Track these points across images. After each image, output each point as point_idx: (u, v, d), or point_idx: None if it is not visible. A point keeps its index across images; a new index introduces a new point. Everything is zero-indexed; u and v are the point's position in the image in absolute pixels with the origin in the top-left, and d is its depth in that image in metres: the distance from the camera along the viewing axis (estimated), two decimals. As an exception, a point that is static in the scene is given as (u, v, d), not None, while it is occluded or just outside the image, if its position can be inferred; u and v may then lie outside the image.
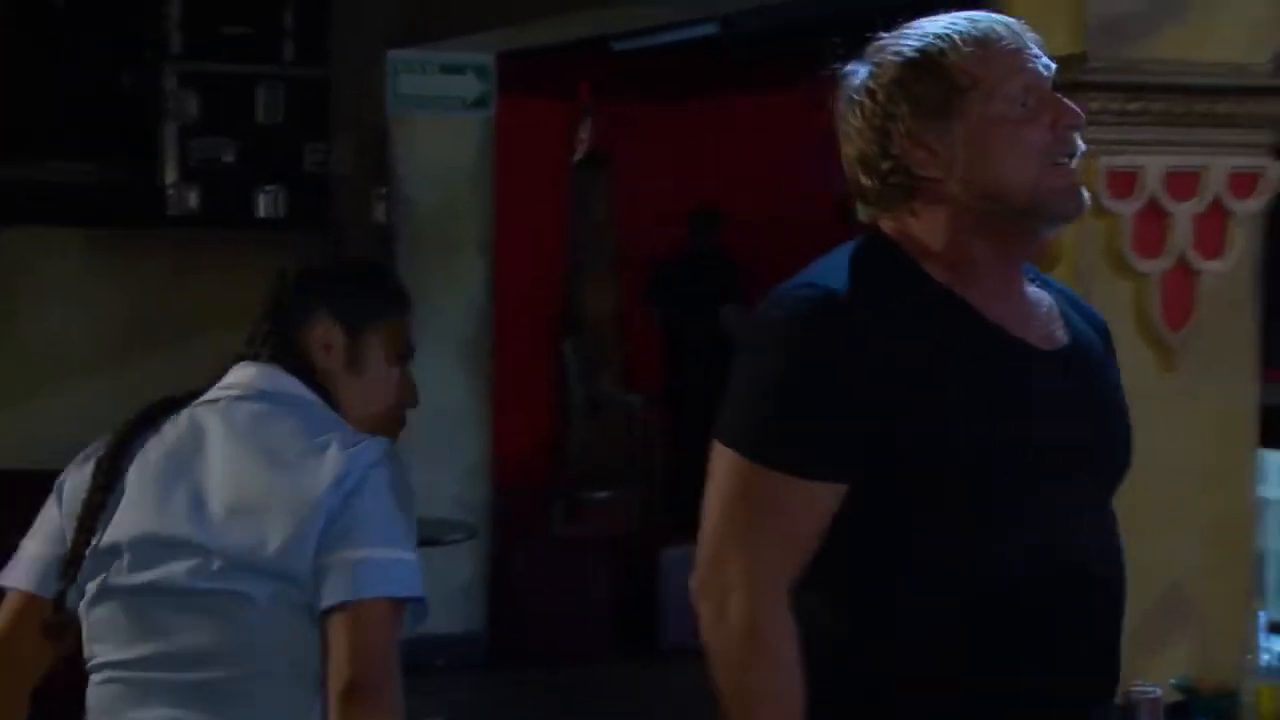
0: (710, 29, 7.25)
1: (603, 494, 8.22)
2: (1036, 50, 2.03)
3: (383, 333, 2.35)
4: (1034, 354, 1.97)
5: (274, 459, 2.17)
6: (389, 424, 2.36)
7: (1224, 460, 4.04)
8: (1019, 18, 4.31)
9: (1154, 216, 4.09)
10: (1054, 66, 2.02)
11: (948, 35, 1.97)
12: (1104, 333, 2.15)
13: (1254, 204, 4.10)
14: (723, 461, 1.93)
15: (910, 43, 1.99)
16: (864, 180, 2.01)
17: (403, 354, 2.38)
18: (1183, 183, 4.09)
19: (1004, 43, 1.99)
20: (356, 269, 2.46)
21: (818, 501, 1.90)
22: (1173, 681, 3.55)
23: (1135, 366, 4.08)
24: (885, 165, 1.98)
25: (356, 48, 7.45)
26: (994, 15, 2.01)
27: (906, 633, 1.92)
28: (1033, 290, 2.05)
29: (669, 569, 6.94)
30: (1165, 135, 4.05)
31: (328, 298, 2.34)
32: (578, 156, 8.69)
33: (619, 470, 8.64)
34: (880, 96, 1.98)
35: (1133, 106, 4.02)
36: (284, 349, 2.30)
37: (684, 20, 7.07)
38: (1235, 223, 4.10)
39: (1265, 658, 3.27)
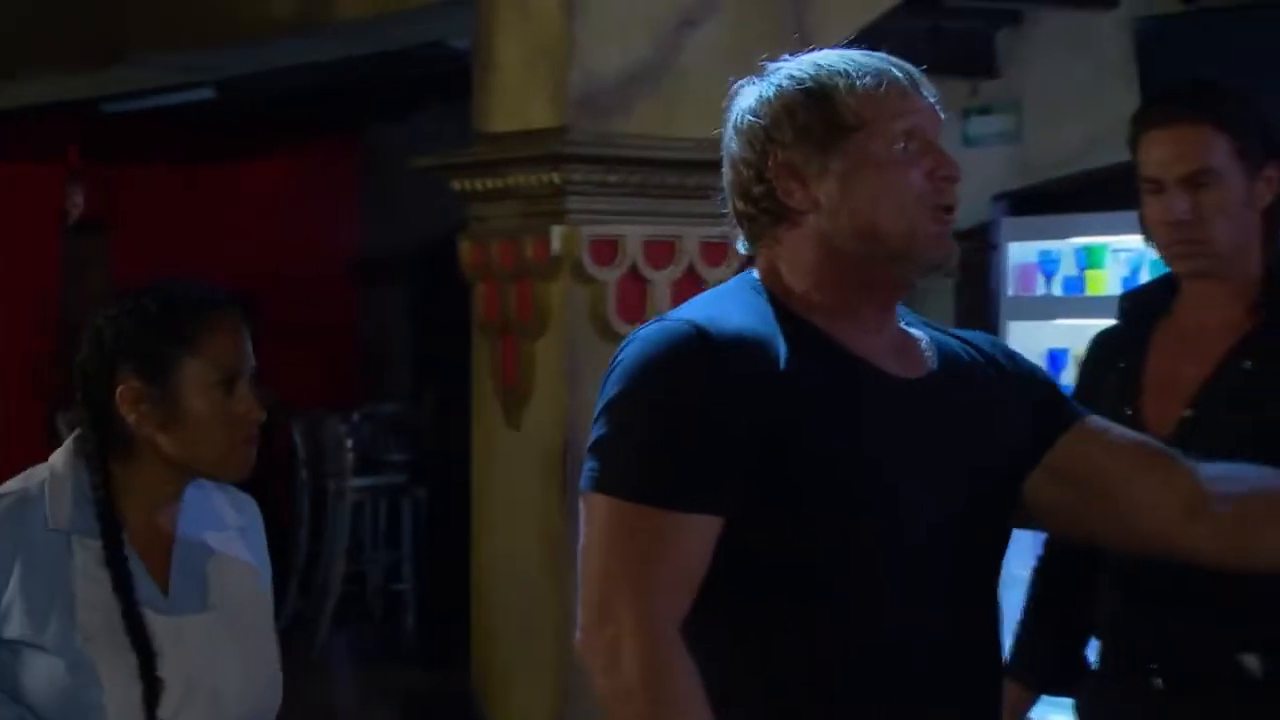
0: (206, 93, 7.13)
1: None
2: (930, 99, 1.97)
3: (192, 366, 2.19)
4: (893, 382, 1.95)
5: None
6: (234, 456, 2.22)
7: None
8: (499, 88, 4.43)
9: (635, 283, 4.27)
10: (941, 117, 1.98)
11: (844, 71, 1.93)
12: (984, 349, 2.09)
13: (724, 271, 4.34)
14: (600, 510, 1.87)
15: (806, 71, 1.95)
16: (737, 203, 1.98)
17: (223, 381, 2.20)
18: (660, 251, 4.30)
19: (896, 85, 1.94)
20: (143, 311, 2.21)
21: (694, 536, 1.85)
22: None
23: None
24: (757, 189, 1.95)
25: None
26: (890, 58, 1.97)
27: (779, 667, 1.89)
28: (899, 330, 2.03)
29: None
30: (642, 206, 4.25)
31: (126, 346, 2.18)
32: (70, 222, 8.36)
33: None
34: (765, 120, 1.95)
35: (612, 178, 4.21)
36: (94, 424, 2.20)
37: (179, 84, 6.93)
38: (707, 289, 4.31)
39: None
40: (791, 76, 1.96)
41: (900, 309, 2.06)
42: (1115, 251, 6.38)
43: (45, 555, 2.17)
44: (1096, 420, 2.09)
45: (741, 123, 1.98)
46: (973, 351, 2.07)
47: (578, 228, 4.19)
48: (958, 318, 7.19)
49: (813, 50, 1.99)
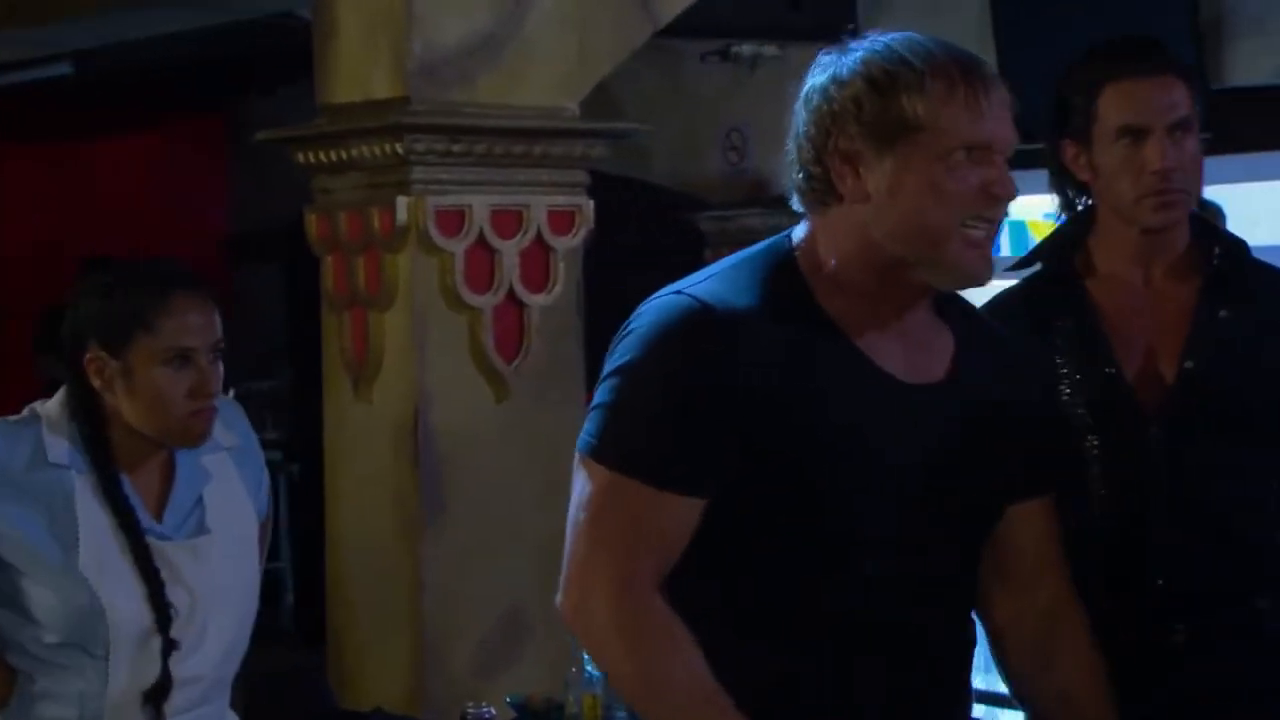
0: (63, 69, 7.01)
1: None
2: (1002, 111, 1.93)
3: (144, 342, 2.34)
4: (895, 386, 1.95)
5: None
6: (182, 430, 2.38)
7: (554, 483, 4.24)
8: (341, 59, 4.39)
9: (483, 253, 4.26)
10: (1013, 132, 1.94)
11: (920, 69, 1.90)
12: (1020, 364, 2.10)
13: (573, 240, 4.35)
14: (589, 474, 1.91)
15: (882, 60, 1.92)
16: (794, 173, 1.98)
17: (173, 360, 2.35)
18: (507, 221, 4.28)
19: (970, 93, 1.90)
20: (108, 286, 2.40)
21: (679, 514, 1.89)
22: (507, 699, 3.69)
23: (473, 398, 4.26)
24: (815, 169, 1.95)
25: None
26: (976, 60, 1.95)
27: (741, 654, 1.92)
28: (930, 323, 2.01)
29: None
30: (488, 175, 4.24)
31: (90, 319, 2.37)
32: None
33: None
34: (834, 104, 1.93)
35: (456, 148, 4.18)
36: (74, 386, 2.38)
37: (36, 59, 6.81)
38: (558, 258, 4.33)
39: (590, 669, 3.45)
40: (865, 64, 1.93)
41: (949, 298, 2.04)
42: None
43: (45, 486, 2.34)
44: (1046, 499, 2.11)
45: (810, 99, 1.97)
46: (1006, 367, 2.06)
47: (423, 198, 4.17)
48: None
49: (900, 32, 1.97)
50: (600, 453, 1.91)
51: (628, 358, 1.92)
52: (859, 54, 1.95)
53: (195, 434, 2.40)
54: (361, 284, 4.29)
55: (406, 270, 4.21)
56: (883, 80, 1.91)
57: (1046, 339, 2.42)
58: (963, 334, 2.05)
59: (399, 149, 4.13)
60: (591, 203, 4.37)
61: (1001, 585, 2.09)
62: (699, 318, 1.90)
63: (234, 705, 2.60)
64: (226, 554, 2.44)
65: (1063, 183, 2.48)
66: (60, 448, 2.37)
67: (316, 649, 4.84)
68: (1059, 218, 2.53)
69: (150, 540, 2.37)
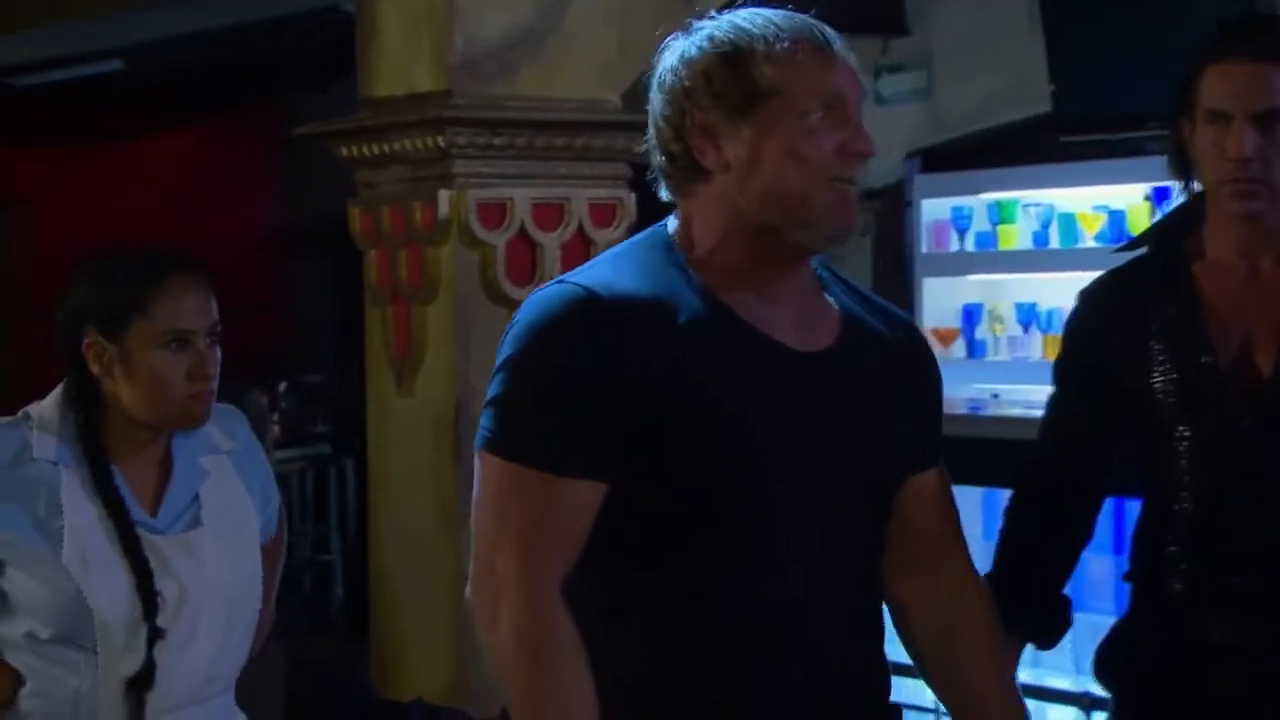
0: (114, 65, 7.07)
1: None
2: (848, 66, 1.95)
3: (141, 325, 2.36)
4: (787, 355, 1.96)
5: None
6: (180, 413, 2.39)
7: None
8: (384, 54, 4.40)
9: (524, 246, 4.27)
10: (862, 86, 1.97)
11: (762, 35, 1.93)
12: (906, 337, 2.11)
13: (614, 232, 4.34)
14: (486, 468, 1.92)
15: (725, 32, 1.95)
16: (658, 157, 2.00)
17: (171, 343, 2.37)
18: (548, 214, 4.29)
19: (815, 52, 1.93)
20: (104, 271, 2.41)
21: (579, 499, 1.89)
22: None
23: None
24: (675, 148, 1.97)
25: None
26: (814, 21, 1.96)
27: (642, 643, 1.93)
28: (814, 294, 2.04)
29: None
30: (529, 169, 4.25)
31: (88, 304, 2.39)
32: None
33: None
34: (685, 80, 1.95)
35: (497, 141, 4.19)
36: (72, 373, 2.40)
37: (85, 55, 6.87)
38: (599, 250, 4.32)
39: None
40: (711, 38, 1.95)
41: (834, 276, 2.07)
42: (1026, 206, 6.40)
43: (29, 482, 2.35)
44: (941, 474, 2.12)
45: (664, 80, 1.99)
46: (893, 338, 2.08)
47: (465, 191, 4.19)
48: (874, 275, 7.20)
49: (739, 7, 1.99)
50: (495, 445, 1.91)
51: (514, 349, 1.92)
52: (704, 31, 1.97)
53: (194, 415, 2.41)
54: (404, 277, 4.30)
55: (448, 263, 4.22)
56: (730, 51, 1.94)
57: (1145, 324, 2.36)
58: (847, 305, 2.06)
59: (440, 142, 4.14)
60: (633, 195, 4.37)
61: (904, 567, 2.09)
62: (582, 304, 1.89)
63: (261, 699, 2.61)
64: (220, 550, 2.44)
65: (1180, 163, 2.40)
66: (47, 444, 2.38)
67: (365, 641, 4.89)
68: (1165, 203, 2.45)
69: (141, 532, 2.38)
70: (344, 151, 4.35)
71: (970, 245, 6.60)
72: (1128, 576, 2.50)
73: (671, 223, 2.02)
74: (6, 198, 8.50)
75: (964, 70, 6.57)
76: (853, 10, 6.67)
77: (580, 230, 4.31)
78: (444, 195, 4.17)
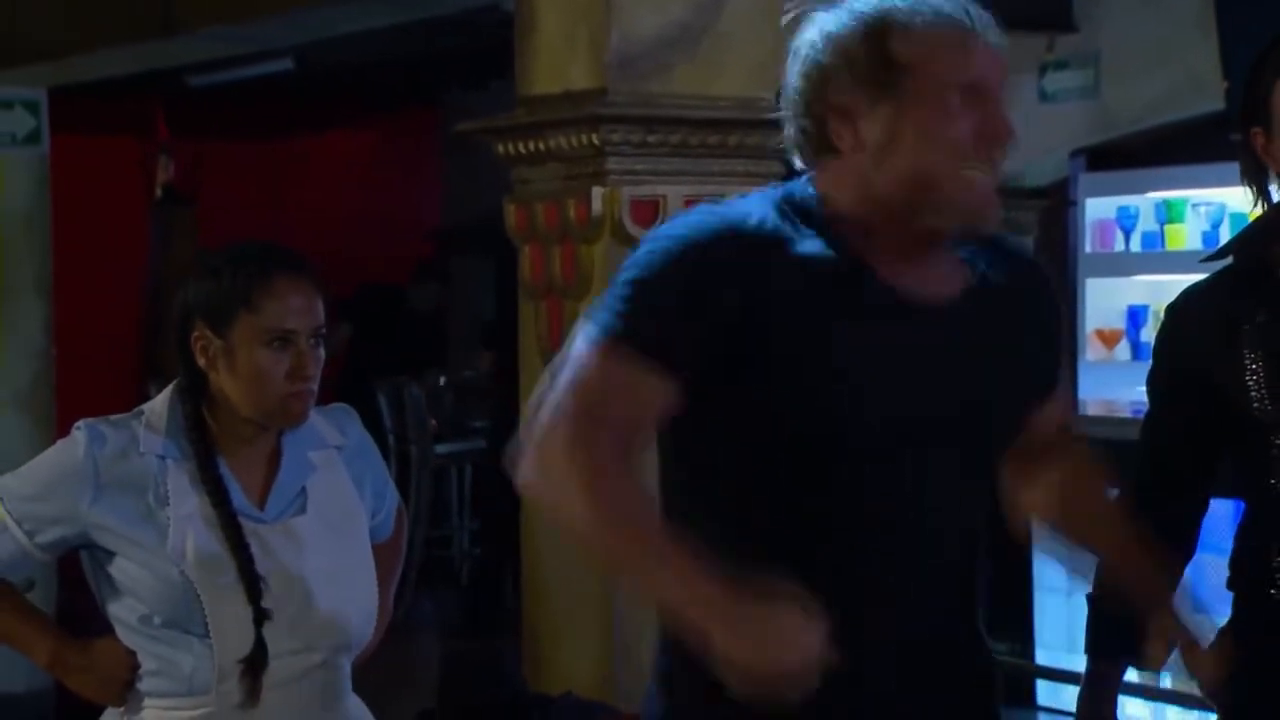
0: (285, 64, 7.22)
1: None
2: (995, 49, 1.92)
3: (247, 321, 2.41)
4: (919, 311, 1.95)
5: None
6: (279, 410, 2.45)
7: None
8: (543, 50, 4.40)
9: (677, 244, 4.26)
10: (1004, 71, 1.93)
11: (905, 13, 1.91)
12: (1029, 282, 2.09)
13: (767, 230, 4.32)
14: (580, 332, 1.93)
15: (867, 12, 1.92)
16: (791, 129, 1.99)
17: (273, 341, 2.42)
18: (701, 211, 4.28)
19: (959, 32, 1.90)
20: (212, 262, 2.47)
21: (649, 391, 1.87)
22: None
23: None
24: (808, 123, 1.96)
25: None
26: (965, 3, 1.93)
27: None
28: (949, 258, 2.01)
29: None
30: (683, 166, 4.24)
31: (198, 299, 2.44)
32: (158, 195, 8.50)
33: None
34: (823, 57, 1.93)
35: (651, 138, 4.20)
36: (183, 365, 2.46)
37: (258, 55, 7.02)
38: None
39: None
40: (854, 12, 1.93)
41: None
42: (1195, 206, 6.25)
43: (137, 475, 2.42)
44: (1061, 394, 2.13)
45: (800, 54, 1.97)
46: (1021, 282, 2.06)
47: (618, 189, 4.19)
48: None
49: None
50: (590, 313, 1.92)
51: (648, 248, 1.92)
52: (846, 8, 1.94)
53: (293, 414, 2.46)
54: (557, 273, 4.32)
55: (601, 260, 4.23)
56: (870, 25, 1.91)
57: (1235, 333, 2.33)
58: (972, 258, 2.03)
59: (595, 140, 4.15)
60: (786, 193, 4.34)
61: (1022, 464, 2.11)
62: (719, 227, 1.91)
63: (415, 690, 2.65)
64: (324, 536, 2.49)
65: (1255, 171, 2.39)
66: (154, 439, 2.44)
67: (499, 636, 4.93)
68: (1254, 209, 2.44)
69: (244, 521, 2.43)
70: (501, 149, 4.39)
71: (1136, 245, 6.47)
72: (1230, 584, 2.45)
73: (809, 182, 2.01)
74: (185, 194, 8.73)
75: (1132, 68, 6.43)
76: (1019, 6, 6.59)
77: (733, 228, 4.29)
78: (598, 192, 4.19)
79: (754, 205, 1.97)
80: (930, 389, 1.93)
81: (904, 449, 1.92)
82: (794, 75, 1.97)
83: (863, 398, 1.90)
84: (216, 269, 2.46)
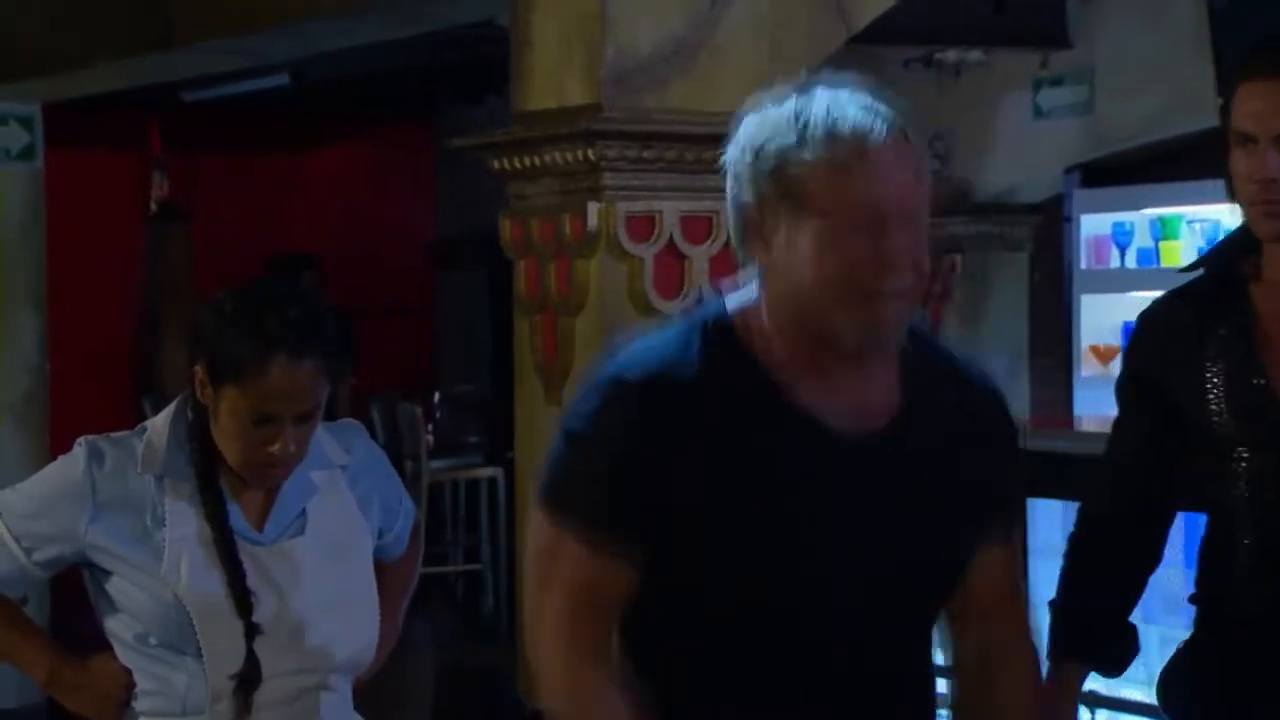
0: (281, 79, 7.22)
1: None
2: (901, 174, 1.89)
3: (233, 392, 2.37)
4: (841, 442, 1.93)
5: None
6: (251, 474, 2.43)
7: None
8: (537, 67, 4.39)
9: (672, 259, 4.26)
10: (918, 190, 1.91)
11: (812, 123, 1.89)
12: (987, 428, 2.05)
13: (763, 245, 4.31)
14: (537, 517, 1.99)
15: (780, 114, 1.92)
16: (730, 232, 2.01)
17: (255, 419, 2.37)
18: (697, 226, 4.27)
19: (856, 154, 1.87)
20: (225, 317, 2.40)
21: (606, 570, 1.93)
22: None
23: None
24: (735, 218, 1.97)
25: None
26: (887, 112, 1.91)
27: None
28: (874, 371, 1.98)
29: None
30: (678, 181, 4.23)
31: (205, 340, 2.40)
32: (153, 210, 8.49)
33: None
34: (741, 159, 1.94)
35: (647, 154, 4.19)
36: (190, 384, 2.44)
37: (254, 69, 7.02)
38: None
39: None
40: (765, 118, 1.93)
41: (919, 340, 2.01)
42: (1190, 222, 6.26)
43: (131, 494, 2.40)
44: (1007, 547, 2.08)
45: (726, 166, 1.99)
46: (969, 414, 2.02)
47: (614, 204, 4.19)
48: (1031, 292, 7.09)
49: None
50: (540, 499, 1.98)
51: (579, 424, 1.96)
52: (755, 119, 1.95)
53: (269, 479, 2.43)
54: (552, 288, 4.32)
55: (597, 275, 4.22)
56: (771, 142, 1.90)
57: (1199, 346, 2.33)
58: (920, 380, 2.00)
59: (590, 155, 4.15)
60: (782, 209, 4.33)
61: (958, 614, 2.07)
62: (638, 390, 1.92)
63: (410, 706, 2.64)
64: (323, 560, 2.47)
65: (1231, 185, 2.39)
66: (155, 457, 2.42)
67: (495, 651, 4.93)
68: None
69: (240, 542, 2.41)
70: (496, 164, 4.39)
71: (1131, 262, 6.48)
72: (1193, 599, 2.46)
73: (738, 293, 2.01)
74: (180, 209, 8.73)
75: (1127, 84, 6.45)
76: (1013, 23, 6.61)
77: (728, 244, 4.28)
78: (593, 207, 4.18)
79: (674, 344, 1.97)
80: (852, 544, 1.93)
81: (827, 610, 1.93)
82: (724, 178, 1.98)
83: (773, 567, 1.91)
84: (229, 318, 2.39)
